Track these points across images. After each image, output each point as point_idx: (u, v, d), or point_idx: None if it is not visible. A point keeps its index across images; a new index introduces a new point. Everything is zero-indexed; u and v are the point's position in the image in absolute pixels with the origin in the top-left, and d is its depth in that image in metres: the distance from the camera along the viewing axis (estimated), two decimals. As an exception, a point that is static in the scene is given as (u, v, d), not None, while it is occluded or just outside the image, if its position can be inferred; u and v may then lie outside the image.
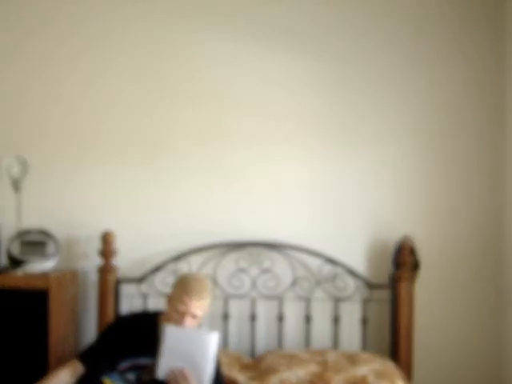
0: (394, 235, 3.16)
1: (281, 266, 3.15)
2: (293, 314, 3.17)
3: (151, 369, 2.30)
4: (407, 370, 2.99)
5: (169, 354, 2.24)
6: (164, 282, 3.10)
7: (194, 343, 2.26)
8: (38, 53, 3.27)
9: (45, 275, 2.90)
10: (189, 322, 2.32)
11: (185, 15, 3.26)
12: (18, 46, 3.27)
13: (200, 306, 2.34)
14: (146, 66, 3.25)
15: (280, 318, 3.14)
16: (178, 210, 3.23)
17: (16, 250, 2.98)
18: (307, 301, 3.14)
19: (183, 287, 2.35)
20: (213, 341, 2.26)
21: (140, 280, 3.11)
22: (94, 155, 3.25)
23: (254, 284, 3.14)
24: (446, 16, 3.23)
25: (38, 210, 3.19)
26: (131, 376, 2.38)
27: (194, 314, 2.32)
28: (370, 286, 3.12)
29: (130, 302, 3.15)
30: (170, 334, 2.25)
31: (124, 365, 2.38)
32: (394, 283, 3.08)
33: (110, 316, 3.00)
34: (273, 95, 3.24)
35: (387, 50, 3.24)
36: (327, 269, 3.13)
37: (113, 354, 2.39)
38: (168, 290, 3.11)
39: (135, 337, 2.41)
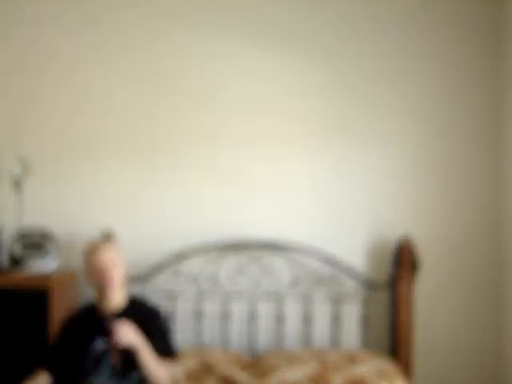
0: (393, 235, 3.16)
1: (281, 266, 3.15)
2: (293, 313, 3.17)
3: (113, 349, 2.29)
4: (407, 370, 2.99)
5: None
6: (164, 282, 3.12)
7: None
8: (39, 53, 3.26)
9: (45, 275, 2.90)
10: (115, 272, 2.32)
11: (184, 15, 3.26)
12: (20, 47, 3.27)
13: (113, 254, 2.34)
14: (146, 67, 3.26)
15: (280, 318, 3.14)
16: (178, 209, 3.23)
17: (17, 250, 2.99)
18: (307, 301, 3.14)
19: (88, 255, 2.39)
20: None
21: (140, 279, 3.11)
22: (94, 155, 3.25)
23: (253, 284, 3.15)
24: (446, 16, 3.24)
25: (39, 210, 3.19)
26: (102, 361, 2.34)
27: (114, 264, 2.33)
28: (370, 285, 3.12)
29: (131, 301, 3.15)
30: None
31: (90, 360, 2.34)
32: (393, 283, 3.08)
33: (110, 316, 3.00)
34: (272, 95, 3.24)
35: (387, 50, 3.24)
36: (327, 269, 3.14)
37: (70, 353, 2.37)
38: (169, 288, 3.12)
39: (83, 329, 2.38)
